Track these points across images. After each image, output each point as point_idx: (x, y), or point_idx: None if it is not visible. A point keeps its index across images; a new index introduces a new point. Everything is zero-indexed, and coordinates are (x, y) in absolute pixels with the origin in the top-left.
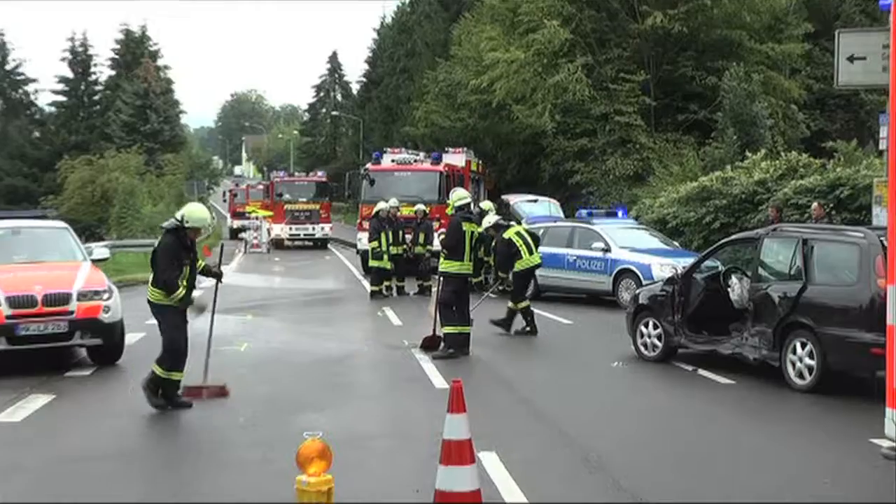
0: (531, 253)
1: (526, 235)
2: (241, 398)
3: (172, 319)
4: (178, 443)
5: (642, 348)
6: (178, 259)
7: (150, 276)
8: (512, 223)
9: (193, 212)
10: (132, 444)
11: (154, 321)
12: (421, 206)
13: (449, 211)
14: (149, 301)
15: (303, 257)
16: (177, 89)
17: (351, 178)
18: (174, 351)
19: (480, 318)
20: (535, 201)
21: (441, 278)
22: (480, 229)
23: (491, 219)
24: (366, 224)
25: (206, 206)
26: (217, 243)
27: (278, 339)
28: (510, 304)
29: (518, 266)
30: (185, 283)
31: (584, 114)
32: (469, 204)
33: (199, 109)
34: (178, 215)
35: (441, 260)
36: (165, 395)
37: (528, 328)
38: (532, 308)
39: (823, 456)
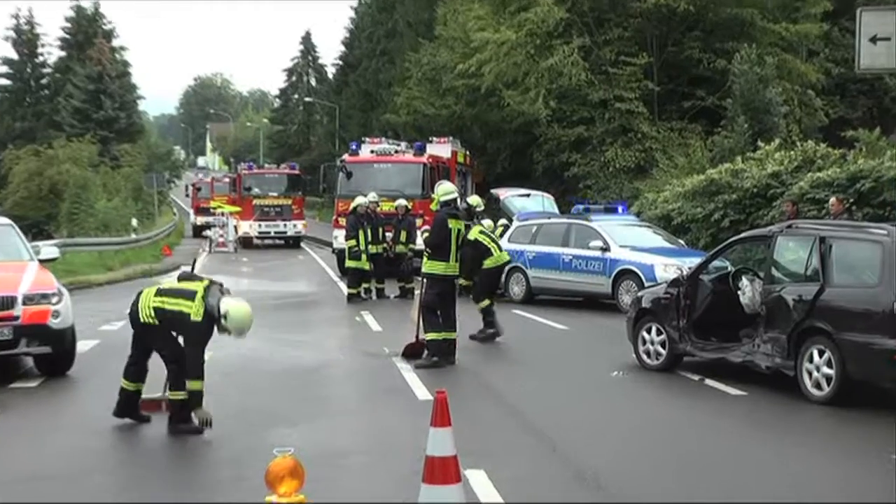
0: (501, 250)
1: (489, 233)
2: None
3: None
4: (138, 461)
5: (644, 356)
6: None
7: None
8: (474, 222)
9: (237, 314)
10: (86, 463)
11: (110, 328)
12: (402, 201)
13: (434, 206)
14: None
15: (273, 257)
16: (134, 73)
17: (326, 170)
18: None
19: (468, 324)
20: (528, 196)
21: (424, 280)
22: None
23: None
24: (342, 221)
25: (166, 201)
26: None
27: (247, 347)
28: (477, 306)
29: (489, 263)
30: None
31: (581, 100)
32: (456, 199)
33: (159, 95)
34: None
35: (424, 260)
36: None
37: (490, 330)
38: (516, 311)
39: (840, 473)
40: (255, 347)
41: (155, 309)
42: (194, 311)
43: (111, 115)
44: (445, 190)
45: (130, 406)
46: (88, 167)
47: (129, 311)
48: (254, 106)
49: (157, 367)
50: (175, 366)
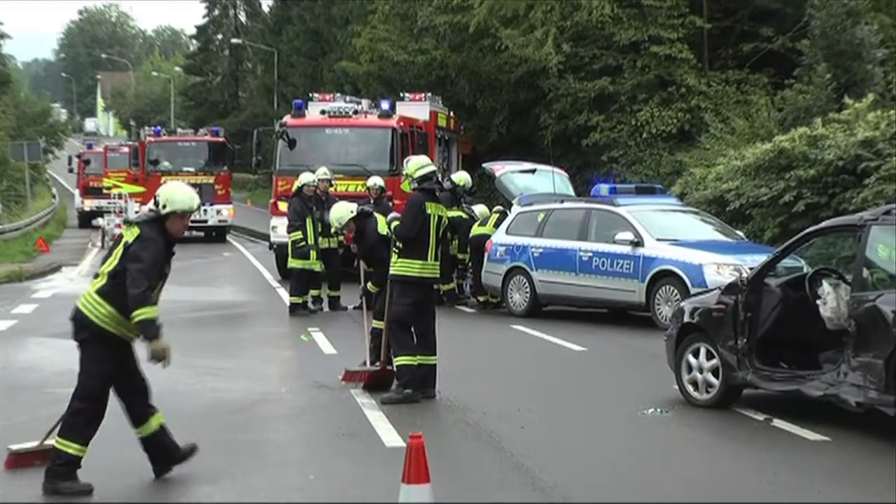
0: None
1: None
2: (97, 465)
3: (105, 354)
4: None
5: (690, 388)
6: (159, 265)
7: (98, 281)
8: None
9: (173, 193)
10: None
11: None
12: (377, 180)
13: (405, 186)
14: (84, 319)
15: (189, 254)
16: None
17: (261, 137)
18: (89, 406)
19: (451, 343)
20: (533, 172)
21: (393, 285)
22: (453, 213)
23: (342, 212)
24: (283, 205)
25: (42, 178)
26: (60, 234)
27: (153, 377)
28: (374, 323)
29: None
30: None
31: (605, 42)
32: (434, 173)
33: (30, 34)
34: (155, 202)
35: (393, 258)
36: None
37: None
38: (517, 326)
39: None
40: (166, 378)
41: None
42: None
43: None
44: (419, 163)
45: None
46: None
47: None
48: (162, 50)
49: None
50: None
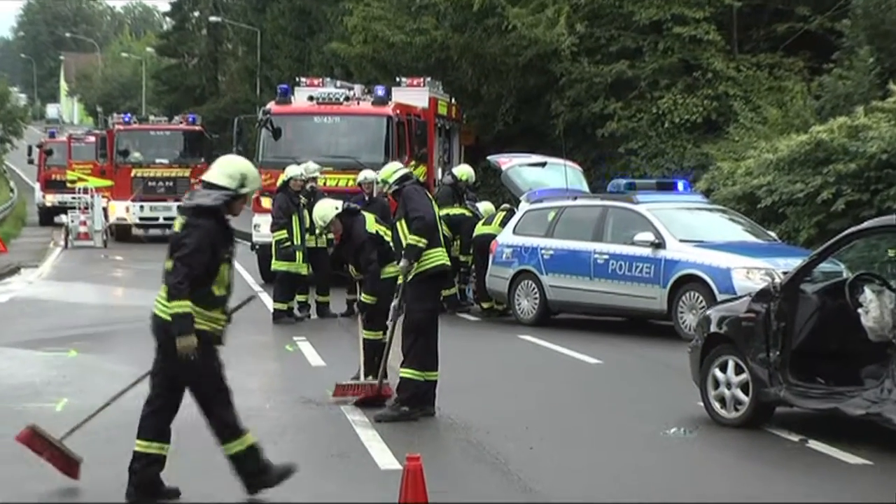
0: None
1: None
2: (54, 492)
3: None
4: None
5: (717, 405)
6: (216, 252)
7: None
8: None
9: (251, 170)
10: None
11: None
12: (370, 174)
13: (388, 190)
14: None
15: (162, 255)
16: None
17: (242, 125)
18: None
19: (452, 354)
20: (543, 165)
21: (412, 287)
22: (455, 211)
23: (326, 210)
24: (266, 202)
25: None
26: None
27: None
28: (364, 334)
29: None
30: (223, 289)
31: (623, 22)
32: (409, 174)
33: None
34: (228, 180)
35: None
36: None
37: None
38: (525, 336)
39: None
40: (136, 393)
41: None
42: None
43: None
44: (393, 167)
45: None
46: None
47: None
48: (132, 28)
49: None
50: None
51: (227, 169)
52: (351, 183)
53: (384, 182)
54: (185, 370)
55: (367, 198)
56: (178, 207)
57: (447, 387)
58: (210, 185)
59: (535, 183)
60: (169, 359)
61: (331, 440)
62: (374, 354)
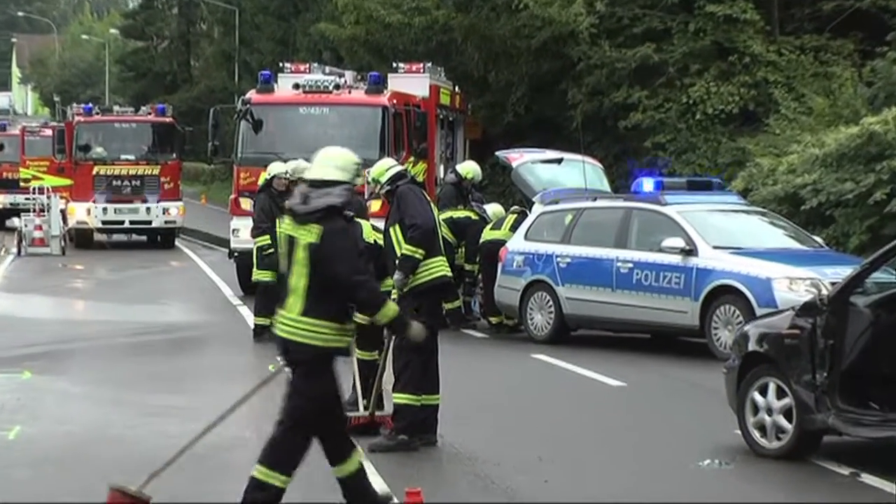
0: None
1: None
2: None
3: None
4: None
5: (757, 433)
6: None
7: (296, 300)
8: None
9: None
10: None
11: None
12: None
13: (380, 191)
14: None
15: (129, 263)
16: None
17: (218, 117)
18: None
19: (456, 375)
20: (559, 162)
21: (411, 301)
22: (460, 213)
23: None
24: (246, 203)
25: None
26: None
27: (81, 419)
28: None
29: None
30: None
31: (649, 0)
32: (403, 172)
33: None
34: (342, 173)
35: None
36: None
37: None
38: (538, 356)
39: None
40: (97, 419)
41: None
42: None
43: None
44: (385, 164)
45: None
46: None
47: None
48: (94, 7)
49: None
50: None
51: (336, 161)
52: None
53: (375, 181)
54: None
55: (366, 196)
56: (294, 213)
57: (450, 412)
58: (323, 183)
59: (549, 182)
60: (314, 380)
61: (321, 473)
62: (370, 376)
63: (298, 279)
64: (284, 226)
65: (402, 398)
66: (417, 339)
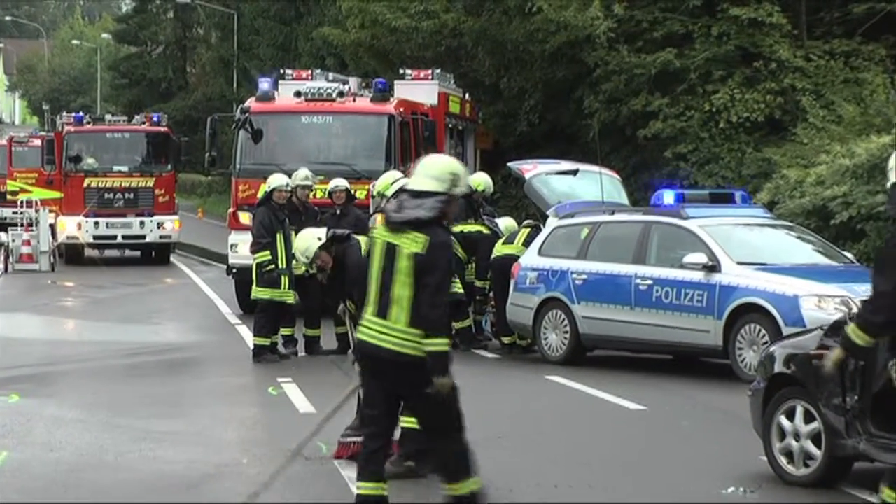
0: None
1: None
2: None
3: None
4: None
5: (783, 459)
6: None
7: (399, 311)
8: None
9: (455, 167)
10: None
11: None
12: (341, 182)
13: (385, 206)
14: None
15: (121, 280)
16: None
17: (216, 126)
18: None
19: (466, 398)
20: (574, 173)
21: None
22: (470, 228)
23: (307, 241)
24: (245, 217)
25: None
26: None
27: (71, 445)
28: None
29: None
30: None
31: (670, 2)
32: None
33: None
34: (436, 183)
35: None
36: None
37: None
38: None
39: None
40: (90, 444)
41: None
42: None
43: None
44: (391, 177)
45: None
46: None
47: None
48: (85, 11)
49: None
50: None
51: (431, 171)
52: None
53: (380, 195)
54: (435, 409)
55: (337, 210)
56: (387, 221)
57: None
58: (417, 194)
59: (564, 194)
60: (417, 395)
61: (322, 501)
62: None
63: (402, 289)
64: (378, 232)
65: (408, 422)
66: (444, 389)
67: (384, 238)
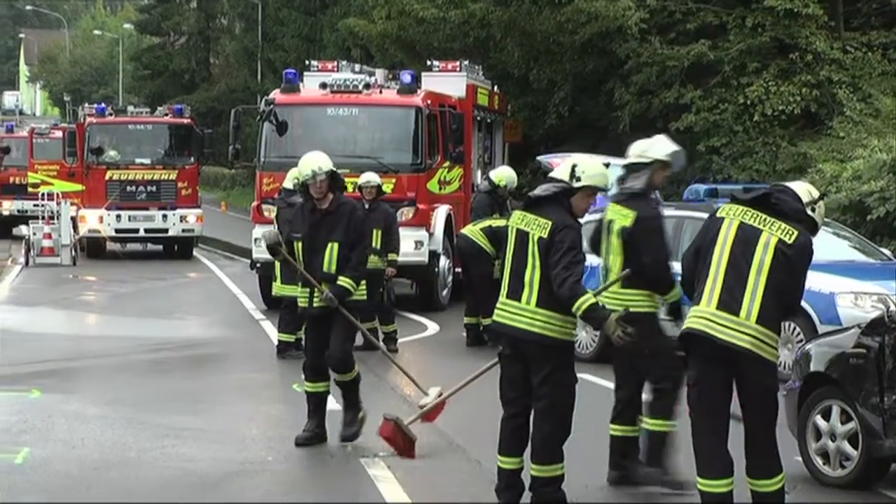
0: None
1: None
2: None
3: None
4: None
5: (819, 460)
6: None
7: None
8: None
9: (580, 160)
10: None
11: None
12: (372, 177)
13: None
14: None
15: (144, 275)
16: None
17: (240, 118)
18: None
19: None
20: (606, 167)
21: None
22: (497, 223)
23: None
24: (269, 210)
25: None
26: None
27: (93, 442)
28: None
29: None
30: None
31: None
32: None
33: None
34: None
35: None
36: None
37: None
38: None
39: None
40: (113, 441)
41: None
42: None
43: None
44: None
45: None
46: None
47: None
48: (107, 1)
49: None
50: None
51: (568, 161)
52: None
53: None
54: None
55: (366, 205)
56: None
57: (487, 434)
58: (552, 179)
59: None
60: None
61: (345, 495)
62: None
63: (532, 271)
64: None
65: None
66: (614, 329)
67: (516, 225)
